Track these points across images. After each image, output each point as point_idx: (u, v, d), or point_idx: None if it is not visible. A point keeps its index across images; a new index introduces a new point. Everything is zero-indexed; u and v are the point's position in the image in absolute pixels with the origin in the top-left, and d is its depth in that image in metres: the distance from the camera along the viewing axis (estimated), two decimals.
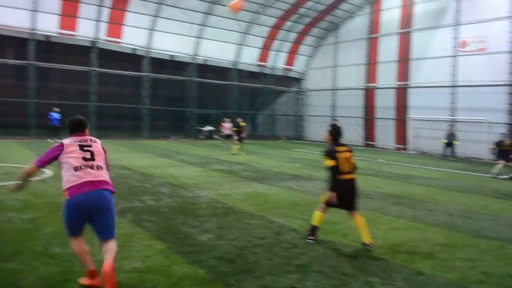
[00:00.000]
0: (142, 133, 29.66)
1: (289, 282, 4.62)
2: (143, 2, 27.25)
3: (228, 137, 24.12)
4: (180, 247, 5.69)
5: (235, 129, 21.52)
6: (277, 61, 35.43)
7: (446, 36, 25.81)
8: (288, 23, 33.14)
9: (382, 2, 30.19)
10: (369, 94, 31.28)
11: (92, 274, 4.34)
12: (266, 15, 31.55)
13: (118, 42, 27.96)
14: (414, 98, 27.83)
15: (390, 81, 29.43)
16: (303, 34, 34.68)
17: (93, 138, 4.62)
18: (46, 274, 4.57)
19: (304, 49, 36.15)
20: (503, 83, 22.88)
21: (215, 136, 32.27)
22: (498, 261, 5.67)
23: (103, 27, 26.98)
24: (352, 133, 29.89)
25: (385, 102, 29.84)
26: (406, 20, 28.36)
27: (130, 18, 27.57)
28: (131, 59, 29.15)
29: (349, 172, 6.02)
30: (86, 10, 25.88)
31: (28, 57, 25.07)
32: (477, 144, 23.29)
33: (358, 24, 31.99)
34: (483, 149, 22.57)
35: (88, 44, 26.85)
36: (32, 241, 5.72)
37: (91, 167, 4.33)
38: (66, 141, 4.46)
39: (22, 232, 6.13)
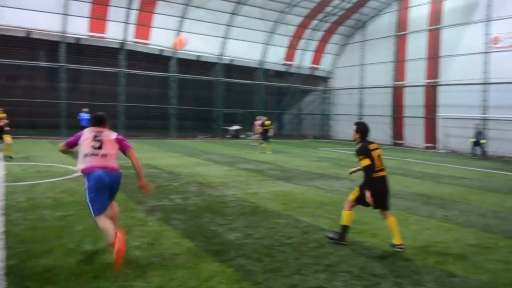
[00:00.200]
0: (170, 133, 30.01)
1: (317, 282, 4.59)
2: (170, 4, 27.59)
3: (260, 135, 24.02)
4: (208, 246, 5.73)
5: (260, 128, 21.50)
6: (303, 60, 35.29)
7: (477, 32, 25.17)
8: (314, 22, 32.97)
9: None
10: (397, 92, 30.82)
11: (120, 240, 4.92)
12: (292, 14, 31.47)
13: (146, 44, 28.38)
14: (443, 96, 27.27)
15: (419, 78, 28.92)
16: (329, 32, 34.44)
17: (109, 132, 5.43)
18: (78, 270, 4.66)
19: (330, 47, 35.89)
20: None
21: (241, 136, 32.40)
22: None
23: (131, 29, 27.44)
24: (380, 132, 29.51)
25: (413, 100, 29.33)
26: (435, 16, 27.81)
27: (157, 19, 27.96)
28: (159, 60, 29.56)
29: (382, 170, 5.90)
30: (114, 13, 26.40)
31: (59, 60, 25.70)
32: (510, 142, 22.68)
33: (386, 21, 31.56)
34: None
35: (116, 46, 27.36)
36: (64, 238, 5.84)
37: (95, 156, 5.16)
38: (85, 131, 5.40)
39: (54, 229, 6.27)
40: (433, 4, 27.96)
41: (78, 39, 26.04)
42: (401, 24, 30.42)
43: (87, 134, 5.30)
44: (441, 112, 26.85)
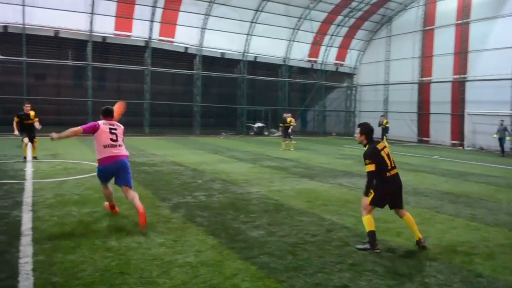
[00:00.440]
0: (194, 130, 30.23)
1: (341, 281, 4.55)
2: (194, 2, 27.75)
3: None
4: (232, 243, 5.74)
5: (282, 125, 21.33)
6: (328, 56, 35.04)
7: (507, 26, 24.51)
8: (339, 17, 32.68)
9: None
10: (423, 88, 30.28)
11: (112, 206, 7.03)
12: (317, 10, 31.25)
13: (170, 41, 28.65)
14: (471, 92, 26.66)
15: (447, 74, 28.34)
16: (354, 28, 34.07)
17: (118, 124, 6.70)
18: (104, 266, 4.74)
19: (355, 43, 35.52)
20: None
21: (265, 133, 32.39)
22: None
23: (157, 27, 27.73)
24: (406, 129, 29.09)
25: (440, 97, 28.76)
26: (464, 10, 27.18)
27: (182, 17, 28.18)
28: (183, 57, 29.79)
29: (394, 167, 5.77)
30: (140, 11, 26.73)
31: (86, 58, 26.18)
32: None
33: (412, 16, 31.03)
34: None
35: (142, 44, 27.70)
36: (90, 234, 5.94)
37: (114, 146, 6.46)
38: (101, 123, 6.49)
39: (81, 225, 6.39)
40: None
41: (104, 37, 26.47)
42: (428, 19, 29.85)
43: (103, 127, 6.43)
44: (469, 109, 26.27)
